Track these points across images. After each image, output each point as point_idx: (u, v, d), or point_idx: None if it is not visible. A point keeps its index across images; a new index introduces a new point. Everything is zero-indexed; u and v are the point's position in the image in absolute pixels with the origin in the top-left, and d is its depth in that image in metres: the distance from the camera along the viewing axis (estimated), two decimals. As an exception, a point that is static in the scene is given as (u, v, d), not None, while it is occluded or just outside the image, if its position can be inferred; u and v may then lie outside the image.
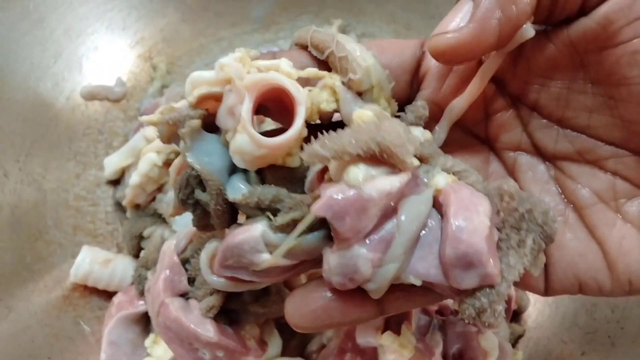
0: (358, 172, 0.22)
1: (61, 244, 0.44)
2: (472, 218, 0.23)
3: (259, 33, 0.58)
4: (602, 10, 0.22)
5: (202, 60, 0.57)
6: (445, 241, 0.23)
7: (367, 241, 0.23)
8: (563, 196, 0.27)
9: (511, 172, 0.28)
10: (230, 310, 0.35)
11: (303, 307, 0.25)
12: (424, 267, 0.23)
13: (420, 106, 0.27)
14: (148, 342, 0.41)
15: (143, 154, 0.42)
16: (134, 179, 0.41)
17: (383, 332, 0.36)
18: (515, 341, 0.46)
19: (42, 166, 0.45)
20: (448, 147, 0.28)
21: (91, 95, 0.50)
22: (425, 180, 0.24)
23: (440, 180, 0.24)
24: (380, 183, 0.22)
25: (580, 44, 0.23)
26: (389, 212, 0.23)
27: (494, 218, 0.24)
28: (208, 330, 0.33)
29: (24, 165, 0.44)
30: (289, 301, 0.26)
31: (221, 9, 0.55)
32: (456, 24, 0.24)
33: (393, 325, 0.38)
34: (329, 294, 0.25)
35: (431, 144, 0.26)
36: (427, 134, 0.26)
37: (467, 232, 0.22)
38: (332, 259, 0.23)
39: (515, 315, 0.47)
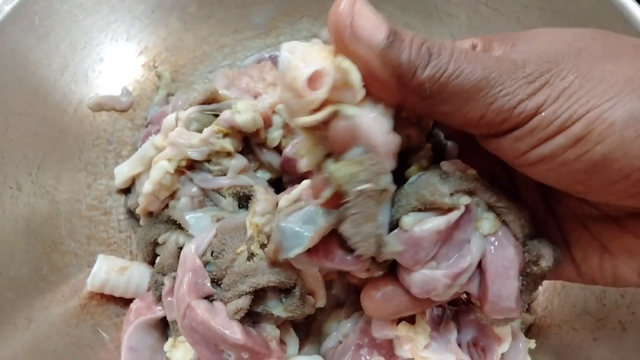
0: (408, 219, 0.29)
1: (76, 254, 0.44)
2: (505, 285, 0.30)
3: (260, 39, 0.58)
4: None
5: (206, 68, 0.57)
6: (484, 301, 0.31)
7: (446, 270, 0.30)
8: (545, 204, 0.32)
9: (508, 169, 0.32)
10: (252, 312, 0.36)
11: (384, 304, 0.31)
12: (466, 284, 0.31)
13: (451, 147, 0.34)
14: (167, 346, 0.41)
15: (154, 162, 0.43)
16: (146, 187, 0.42)
17: (397, 324, 0.37)
18: (527, 330, 0.46)
19: (54, 178, 0.46)
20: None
21: (98, 106, 0.51)
22: (479, 210, 0.30)
23: (485, 226, 0.30)
24: (429, 224, 0.29)
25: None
26: (462, 243, 0.30)
27: (521, 269, 0.30)
28: (235, 332, 0.34)
29: (36, 178, 0.44)
30: (367, 298, 0.32)
31: (223, 17, 0.56)
32: None
33: (407, 316, 0.38)
34: (403, 294, 0.31)
35: (475, 179, 0.30)
36: (471, 171, 0.31)
37: (502, 299, 0.30)
38: (415, 278, 0.30)
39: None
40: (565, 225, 0.31)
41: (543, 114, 0.23)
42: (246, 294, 0.35)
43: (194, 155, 0.42)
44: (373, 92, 0.26)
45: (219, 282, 0.37)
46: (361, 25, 0.24)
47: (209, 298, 0.36)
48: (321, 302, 0.40)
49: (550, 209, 0.32)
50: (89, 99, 0.50)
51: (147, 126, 0.53)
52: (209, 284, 0.37)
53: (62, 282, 0.42)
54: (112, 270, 0.41)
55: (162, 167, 0.42)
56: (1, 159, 0.42)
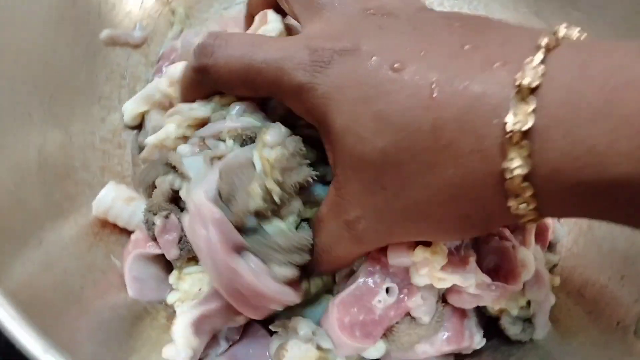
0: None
1: (89, 184, 0.44)
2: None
3: (277, -26, 0.56)
4: None
5: (221, 5, 0.56)
6: None
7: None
8: None
9: None
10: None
11: None
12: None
13: None
14: (172, 279, 0.40)
15: (167, 122, 0.41)
16: (150, 139, 0.41)
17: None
18: (550, 270, 0.45)
19: (66, 109, 0.45)
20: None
21: (112, 40, 0.50)
22: None
23: None
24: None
25: None
26: None
27: None
28: (290, 294, 0.34)
29: (48, 107, 0.44)
30: None
31: (238, -50, 0.54)
32: None
33: (423, 242, 0.37)
34: None
35: None
36: None
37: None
38: None
39: (549, 247, 0.46)
40: None
41: None
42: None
43: (200, 112, 0.40)
44: None
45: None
46: None
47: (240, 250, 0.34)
48: None
49: None
50: (102, 32, 0.49)
51: (158, 62, 0.52)
52: (237, 235, 0.34)
53: (74, 210, 0.41)
54: (118, 198, 0.41)
55: (168, 130, 0.40)
56: (12, 85, 0.41)
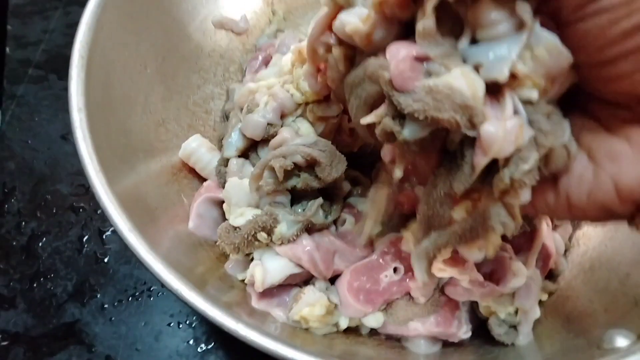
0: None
1: (177, 135, 0.53)
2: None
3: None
4: None
5: (314, 13, 0.65)
6: None
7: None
8: None
9: None
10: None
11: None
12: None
13: None
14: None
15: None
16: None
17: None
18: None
19: (172, 70, 0.55)
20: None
21: (220, 24, 0.60)
22: None
23: None
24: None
25: None
26: None
27: None
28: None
29: (159, 65, 0.54)
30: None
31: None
32: None
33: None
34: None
35: None
36: None
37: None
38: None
39: (550, 276, 0.51)
40: None
41: None
42: None
43: None
44: None
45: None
46: None
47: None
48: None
49: None
50: (213, 15, 0.60)
51: (255, 51, 0.62)
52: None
53: (162, 152, 0.51)
54: (202, 146, 0.50)
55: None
56: (138, 39, 0.51)
